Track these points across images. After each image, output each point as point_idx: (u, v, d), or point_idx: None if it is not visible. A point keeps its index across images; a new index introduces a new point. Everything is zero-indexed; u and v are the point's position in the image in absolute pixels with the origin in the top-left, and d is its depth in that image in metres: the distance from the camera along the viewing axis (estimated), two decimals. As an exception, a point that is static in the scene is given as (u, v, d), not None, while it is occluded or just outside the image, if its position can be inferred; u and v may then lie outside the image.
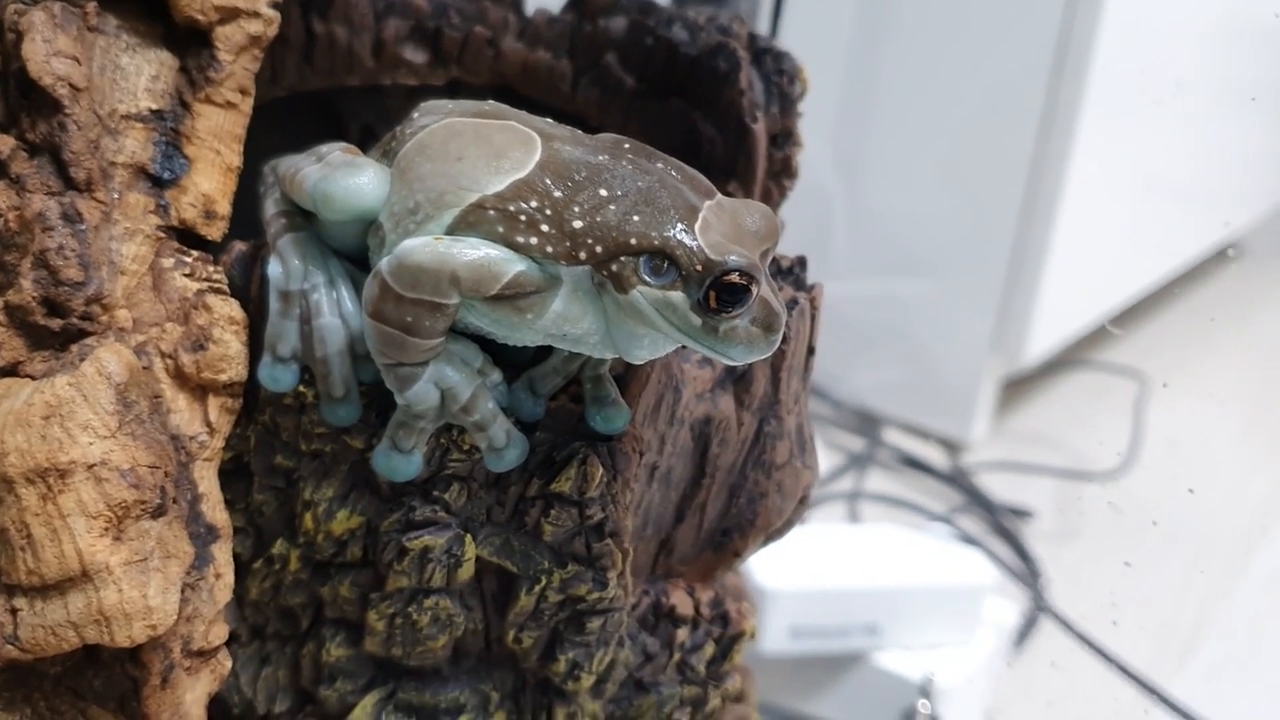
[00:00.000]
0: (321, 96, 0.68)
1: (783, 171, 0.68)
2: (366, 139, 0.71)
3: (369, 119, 0.71)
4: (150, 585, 0.43)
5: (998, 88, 1.46)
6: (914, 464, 1.56)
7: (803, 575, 1.07)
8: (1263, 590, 1.32)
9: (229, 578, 0.48)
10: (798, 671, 1.09)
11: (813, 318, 0.60)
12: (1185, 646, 1.21)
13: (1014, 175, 1.47)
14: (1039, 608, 1.25)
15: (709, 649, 0.61)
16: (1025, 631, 1.23)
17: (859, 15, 1.52)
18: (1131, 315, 1.86)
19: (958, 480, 1.51)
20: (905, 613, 1.10)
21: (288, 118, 0.65)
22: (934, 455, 1.59)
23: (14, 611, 0.43)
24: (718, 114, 0.66)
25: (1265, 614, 1.28)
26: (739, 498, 0.60)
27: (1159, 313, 1.94)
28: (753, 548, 0.62)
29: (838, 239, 1.59)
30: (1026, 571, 1.33)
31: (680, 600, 0.60)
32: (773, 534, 0.62)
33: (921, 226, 1.58)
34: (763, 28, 1.16)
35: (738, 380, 0.58)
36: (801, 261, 0.61)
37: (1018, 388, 1.70)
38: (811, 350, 0.61)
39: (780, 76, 0.67)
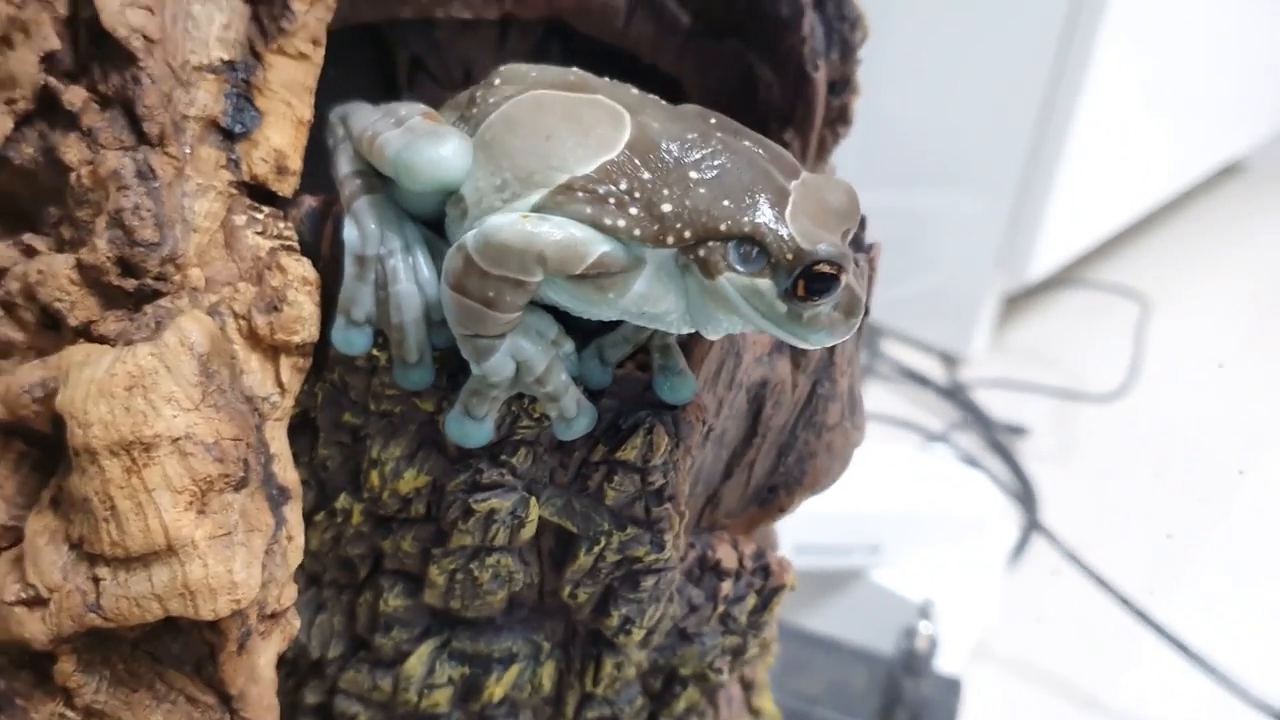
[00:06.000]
0: (371, 28, 0.66)
1: (839, 119, 0.67)
2: (415, 70, 0.70)
3: (419, 50, 0.69)
4: (235, 560, 0.43)
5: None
6: (913, 376, 1.57)
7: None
8: (1258, 508, 1.35)
9: (300, 540, 0.48)
10: (801, 586, 1.11)
11: (869, 279, 0.60)
12: (1179, 566, 1.24)
13: (1030, 87, 1.45)
14: (1033, 527, 1.28)
15: (751, 600, 0.62)
16: (1020, 550, 1.25)
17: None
18: (1134, 233, 1.86)
19: (955, 395, 1.53)
20: (907, 534, 1.12)
21: (336, 48, 0.63)
22: (932, 368, 1.59)
23: (96, 580, 0.43)
24: (777, 59, 0.65)
25: (1258, 531, 1.31)
26: (788, 456, 0.61)
27: (1161, 231, 1.94)
28: (797, 503, 0.63)
29: (844, 146, 1.57)
30: (1022, 489, 1.35)
31: (725, 554, 0.60)
32: (817, 491, 0.63)
33: (933, 137, 1.56)
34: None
35: (796, 343, 0.58)
36: (860, 221, 0.61)
37: (1018, 303, 1.70)
38: (866, 311, 0.61)
39: (842, 23, 0.65)
